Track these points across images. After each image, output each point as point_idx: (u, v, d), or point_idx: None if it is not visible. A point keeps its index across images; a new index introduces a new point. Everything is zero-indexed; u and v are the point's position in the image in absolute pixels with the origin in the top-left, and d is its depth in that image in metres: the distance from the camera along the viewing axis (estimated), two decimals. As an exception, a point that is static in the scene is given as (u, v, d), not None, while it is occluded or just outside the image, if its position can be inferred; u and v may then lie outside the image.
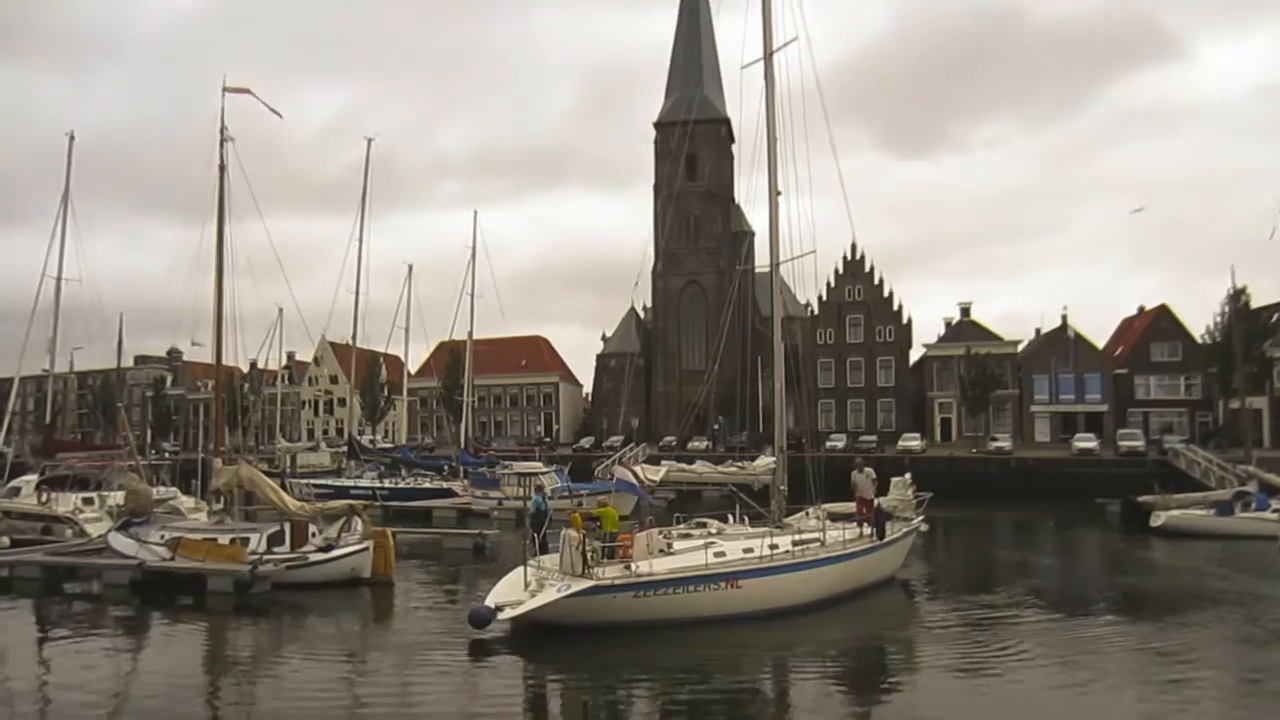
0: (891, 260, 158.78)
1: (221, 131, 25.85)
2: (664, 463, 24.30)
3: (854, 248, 69.84)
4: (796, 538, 17.73)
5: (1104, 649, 14.58)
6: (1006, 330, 69.22)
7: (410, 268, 52.57)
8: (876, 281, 69.76)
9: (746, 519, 19.80)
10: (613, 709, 12.30)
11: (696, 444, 59.13)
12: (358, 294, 45.85)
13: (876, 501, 20.16)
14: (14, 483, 31.22)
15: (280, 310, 53.09)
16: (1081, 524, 35.90)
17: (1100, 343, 68.79)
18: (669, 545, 16.85)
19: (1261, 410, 55.95)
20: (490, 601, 14.92)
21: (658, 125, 76.34)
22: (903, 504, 21.41)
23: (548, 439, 77.83)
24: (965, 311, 69.31)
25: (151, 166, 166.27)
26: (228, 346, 26.26)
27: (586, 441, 71.03)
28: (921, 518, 21.67)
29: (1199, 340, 58.87)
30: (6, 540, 24.76)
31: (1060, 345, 64.28)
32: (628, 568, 15.47)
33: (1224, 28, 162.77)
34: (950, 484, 44.23)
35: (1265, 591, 20.12)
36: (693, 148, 76.17)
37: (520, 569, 15.68)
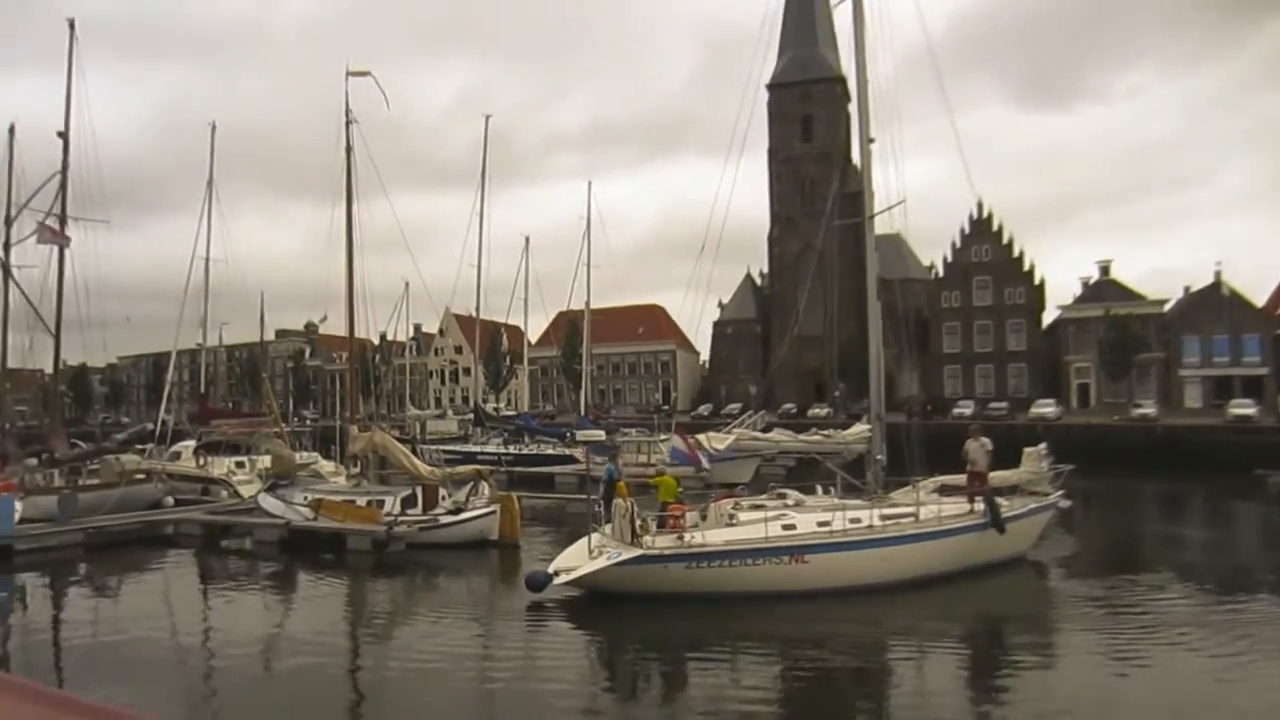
0: (1024, 219, 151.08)
1: (346, 114, 26.86)
2: (734, 430, 22.28)
3: (980, 206, 67.12)
4: (885, 512, 16.54)
5: (1264, 634, 13.36)
6: (1150, 289, 65.10)
7: (527, 240, 53.54)
8: (1005, 241, 66.79)
9: (829, 492, 18.49)
10: (654, 678, 12.26)
11: (817, 411, 58.34)
12: (479, 267, 47.04)
13: (990, 475, 18.21)
14: (175, 447, 33.44)
15: (406, 284, 55.05)
16: (1237, 496, 33.46)
17: (1259, 301, 63.70)
18: (732, 516, 16.19)
19: None
20: (554, 566, 15.25)
21: (770, 87, 74.69)
22: (1036, 477, 19.41)
23: (665, 406, 78.28)
24: (1104, 270, 65.60)
25: (290, 152, 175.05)
26: (359, 320, 27.42)
27: (704, 409, 71.07)
28: (1060, 493, 19.31)
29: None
30: (171, 500, 26.73)
31: (1213, 304, 59.93)
32: (680, 538, 15.23)
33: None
34: (1089, 453, 41.92)
35: None
36: (807, 108, 74.24)
37: (587, 536, 15.81)
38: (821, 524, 15.67)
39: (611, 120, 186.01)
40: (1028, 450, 19.82)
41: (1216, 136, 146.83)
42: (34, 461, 28.35)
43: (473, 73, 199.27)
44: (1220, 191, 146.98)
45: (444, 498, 22.71)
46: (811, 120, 73.84)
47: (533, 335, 67.55)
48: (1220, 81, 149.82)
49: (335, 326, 41.24)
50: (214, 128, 40.55)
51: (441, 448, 40.65)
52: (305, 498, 23.16)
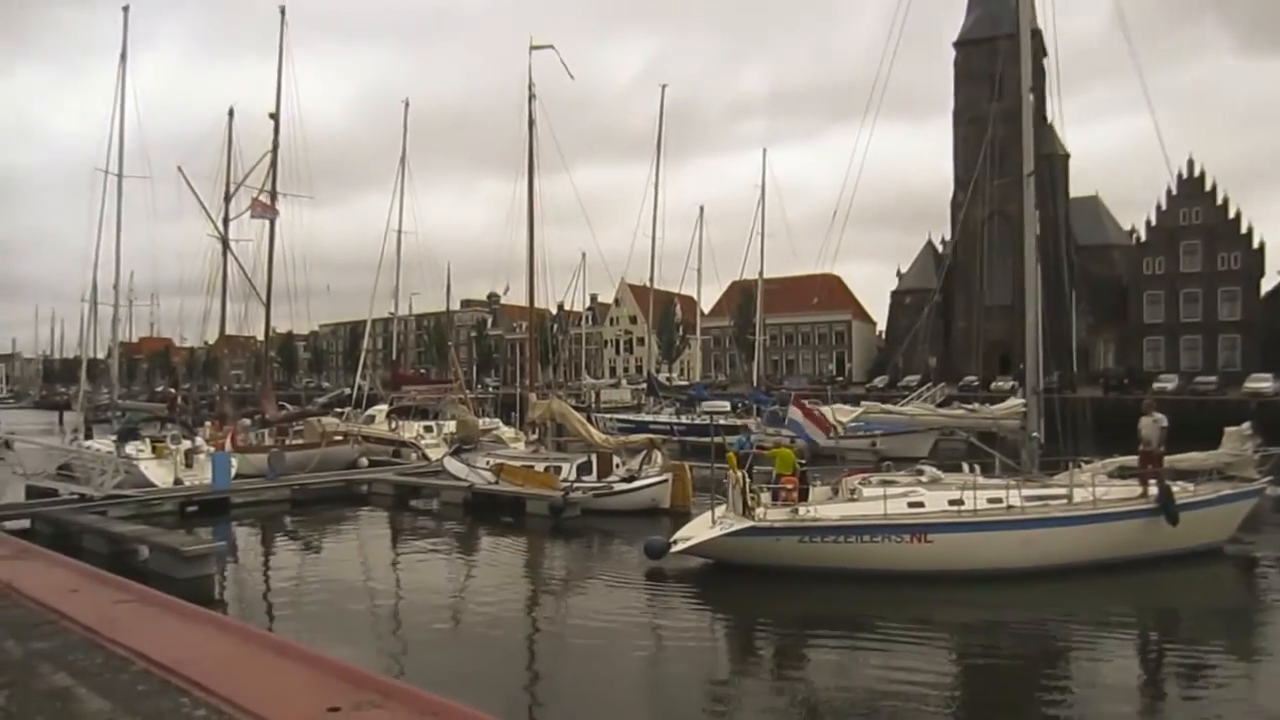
0: (1247, 177, 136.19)
1: (530, 88, 27.55)
2: (863, 403, 20.93)
3: (1190, 164, 61.22)
4: (1031, 492, 15.34)
5: None
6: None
7: (701, 210, 53.42)
8: (1220, 202, 60.63)
9: (983, 471, 17.02)
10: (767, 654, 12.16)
11: (1001, 384, 55.33)
12: (654, 237, 47.38)
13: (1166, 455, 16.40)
14: (369, 411, 35.68)
15: (583, 255, 56.34)
16: None
17: None
18: (853, 491, 15.54)
19: None
20: (681, 533, 15.33)
21: (958, 45, 70.74)
22: (1239, 460, 17.23)
23: (840, 378, 76.59)
24: (1340, 231, 58.41)
25: (478, 127, 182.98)
26: (538, 290, 28.34)
27: (880, 380, 68.95)
28: (1269, 479, 16.97)
29: None
30: (365, 461, 28.69)
31: None
32: (795, 511, 14.88)
33: None
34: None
35: None
36: (996, 65, 69.65)
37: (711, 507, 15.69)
38: (953, 502, 14.90)
39: (793, 87, 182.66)
40: (1229, 430, 17.61)
41: None
42: (248, 422, 31.11)
43: (655, 45, 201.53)
44: None
45: (618, 465, 23.18)
46: (1002, 78, 69.30)
47: (706, 305, 67.68)
48: None
49: (516, 297, 42.90)
50: (407, 105, 42.76)
51: (616, 416, 41.47)
52: (488, 462, 24.22)
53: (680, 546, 14.96)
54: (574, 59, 28.11)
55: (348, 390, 44.76)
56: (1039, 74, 76.04)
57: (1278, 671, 10.84)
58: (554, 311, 63.47)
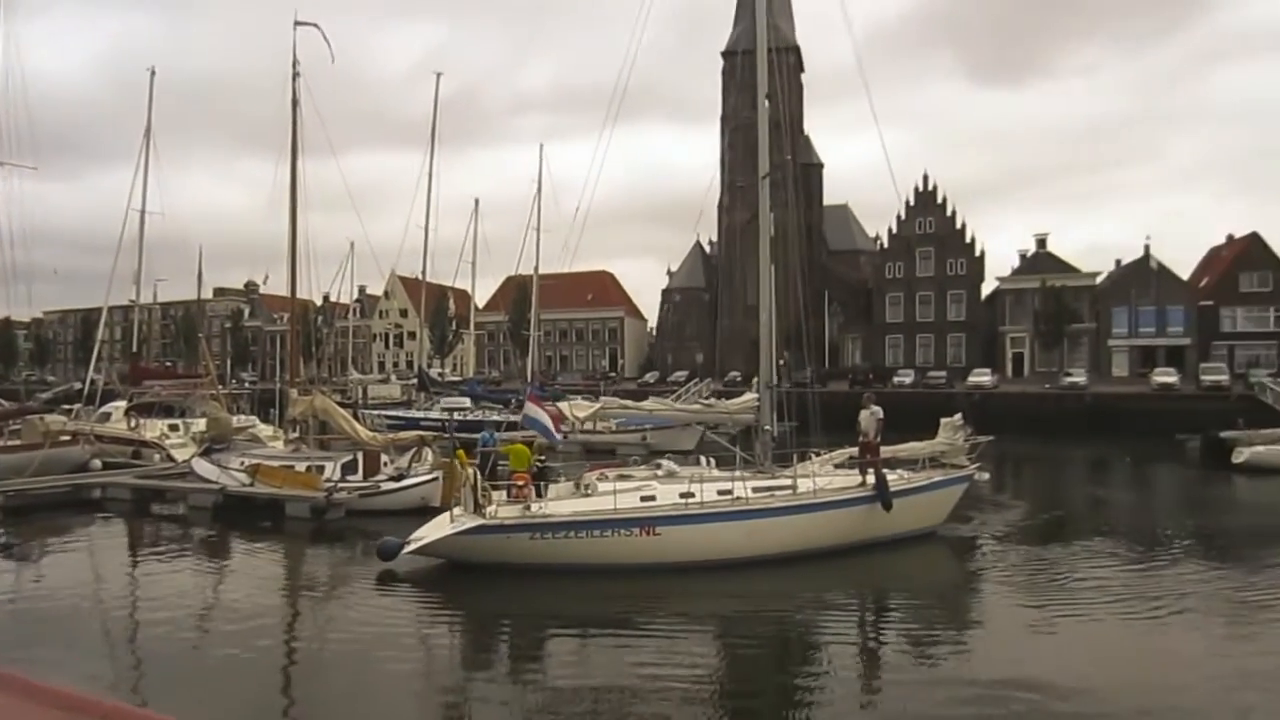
0: (974, 192, 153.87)
1: (294, 65, 26.05)
2: (601, 398, 20.96)
3: (925, 179, 68.25)
4: (759, 484, 15.90)
5: (1182, 591, 13.93)
6: (1088, 263, 67.12)
7: (477, 202, 52.87)
8: (949, 213, 67.78)
9: (712, 464, 17.72)
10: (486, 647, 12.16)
11: (762, 379, 58.83)
12: (426, 229, 46.28)
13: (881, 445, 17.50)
14: (105, 408, 32.41)
15: (352, 245, 54.13)
16: (1160, 461, 34.88)
17: (1185, 274, 65.98)
18: (587, 486, 15.76)
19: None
20: (417, 534, 14.97)
21: (725, 54, 74.38)
22: (952, 448, 18.79)
23: (612, 374, 78.33)
24: (1041, 243, 67.27)
25: (238, 104, 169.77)
26: (302, 280, 26.90)
27: (650, 376, 71.29)
28: (976, 465, 18.53)
29: (1293, 270, 56.21)
30: (98, 463, 25.97)
31: (1141, 277, 61.85)
32: (527, 508, 14.88)
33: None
34: (1022, 421, 43.51)
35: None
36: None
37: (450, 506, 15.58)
38: (684, 495, 15.18)
39: (577, 85, 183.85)
40: (944, 420, 19.25)
41: (1164, 113, 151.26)
42: (-50, 420, 27.35)
43: (439, 32, 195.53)
44: (1160, 169, 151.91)
45: (386, 464, 22.44)
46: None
47: (481, 300, 66.94)
48: (1171, 58, 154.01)
49: (277, 286, 40.38)
50: (153, 73, 39.08)
51: (384, 413, 40.15)
52: (242, 463, 22.65)
53: (412, 547, 14.62)
54: (350, 40, 27.11)
55: (78, 385, 40.39)
56: (798, 88, 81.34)
57: (983, 639, 12.06)
58: (319, 303, 60.45)
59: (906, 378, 58.00)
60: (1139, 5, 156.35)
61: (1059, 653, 11.11)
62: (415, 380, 50.49)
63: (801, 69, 72.65)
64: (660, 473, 16.64)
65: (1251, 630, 12.02)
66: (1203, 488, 28.70)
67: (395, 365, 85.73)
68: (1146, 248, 62.88)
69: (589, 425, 30.95)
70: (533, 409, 17.29)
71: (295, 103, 26.01)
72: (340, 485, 20.84)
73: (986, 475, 18.64)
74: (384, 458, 22.53)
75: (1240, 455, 30.53)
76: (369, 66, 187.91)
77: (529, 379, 50.82)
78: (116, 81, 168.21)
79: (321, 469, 21.71)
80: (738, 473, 16.25)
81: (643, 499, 15.09)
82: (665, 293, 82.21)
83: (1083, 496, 27.48)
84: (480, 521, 14.51)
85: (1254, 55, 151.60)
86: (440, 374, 60.70)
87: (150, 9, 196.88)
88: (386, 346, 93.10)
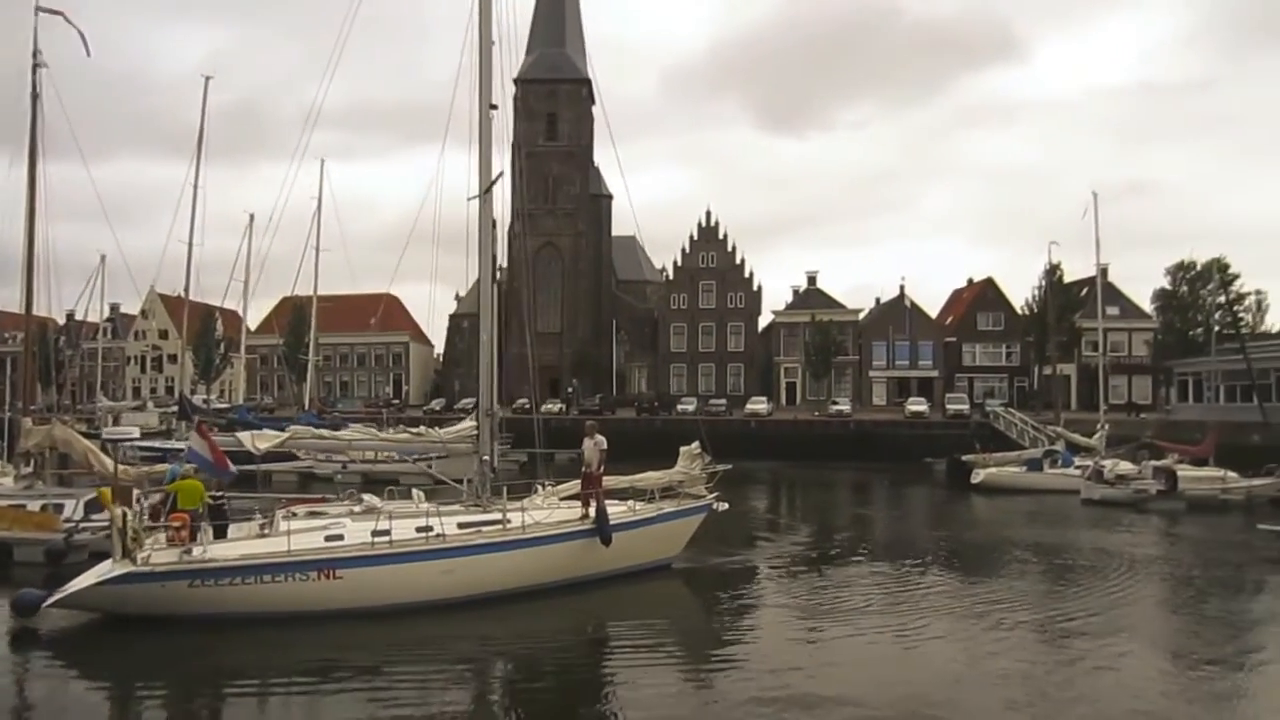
0: (758, 231, 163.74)
1: (34, 55, 23.59)
2: (289, 427, 19.13)
3: (708, 215, 71.56)
4: (465, 519, 15.00)
5: (927, 597, 15.60)
6: (855, 300, 72.85)
7: (251, 217, 49.51)
8: (730, 249, 71.33)
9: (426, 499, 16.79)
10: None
11: (550, 407, 59.09)
12: (190, 243, 42.64)
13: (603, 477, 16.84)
14: None
15: (103, 257, 49.20)
16: (912, 482, 38.31)
17: (935, 313, 73.19)
18: (263, 527, 14.48)
19: (1070, 376, 61.42)
20: (70, 585, 12.90)
21: (518, 82, 74.66)
22: (690, 478, 18.18)
23: (396, 400, 75.91)
24: (812, 280, 72.13)
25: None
26: (40, 295, 24.26)
27: (437, 403, 69.77)
28: (714, 495, 17.96)
29: (1019, 311, 63.78)
30: None
31: (897, 314, 68.06)
32: (187, 551, 13.19)
33: (1066, 31, 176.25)
34: (794, 446, 46.54)
35: (1068, 540, 22.17)
36: (553, 107, 75.03)
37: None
38: (378, 533, 13.86)
39: (372, 104, 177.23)
40: (683, 449, 18.63)
41: (924, 168, 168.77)
42: None
43: (229, 36, 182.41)
44: (921, 215, 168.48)
45: (139, 500, 20.48)
46: (557, 119, 74.68)
47: (253, 321, 62.96)
48: (929, 120, 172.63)
49: (9, 302, 36.01)
50: None
51: (138, 443, 36.66)
52: (-40, 502, 19.94)
53: (53, 599, 12.67)
54: (117, 35, 24.76)
55: None
56: (589, 120, 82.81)
57: (715, 670, 11.84)
58: (61, 322, 54.52)
59: (690, 405, 60.12)
60: (904, 72, 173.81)
61: (820, 667, 11.77)
62: (176, 407, 46.56)
63: (594, 102, 74.21)
64: (358, 508, 15.47)
65: (1003, 635, 13.19)
66: (947, 505, 31.84)
67: (154, 391, 78.77)
68: (901, 288, 69.42)
69: (369, 455, 29.65)
70: (197, 441, 15.66)
71: (35, 96, 23.56)
72: (83, 525, 18.79)
73: (725, 505, 18.05)
74: (136, 493, 20.56)
75: (978, 476, 34.18)
76: (141, 65, 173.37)
77: (306, 405, 48.28)
78: None
79: (60, 508, 19.49)
80: (439, 507, 15.27)
81: (327, 539, 13.78)
82: (453, 318, 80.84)
83: (843, 514, 30.00)
84: (130, 569, 12.76)
85: (990, 124, 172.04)
86: (205, 401, 56.43)
87: None
88: (143, 371, 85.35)
